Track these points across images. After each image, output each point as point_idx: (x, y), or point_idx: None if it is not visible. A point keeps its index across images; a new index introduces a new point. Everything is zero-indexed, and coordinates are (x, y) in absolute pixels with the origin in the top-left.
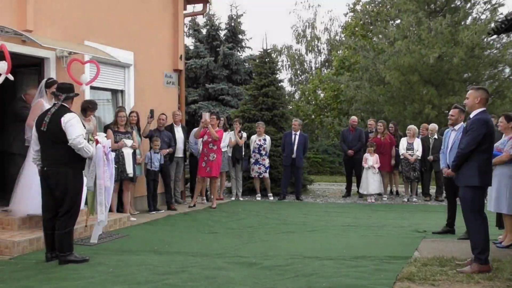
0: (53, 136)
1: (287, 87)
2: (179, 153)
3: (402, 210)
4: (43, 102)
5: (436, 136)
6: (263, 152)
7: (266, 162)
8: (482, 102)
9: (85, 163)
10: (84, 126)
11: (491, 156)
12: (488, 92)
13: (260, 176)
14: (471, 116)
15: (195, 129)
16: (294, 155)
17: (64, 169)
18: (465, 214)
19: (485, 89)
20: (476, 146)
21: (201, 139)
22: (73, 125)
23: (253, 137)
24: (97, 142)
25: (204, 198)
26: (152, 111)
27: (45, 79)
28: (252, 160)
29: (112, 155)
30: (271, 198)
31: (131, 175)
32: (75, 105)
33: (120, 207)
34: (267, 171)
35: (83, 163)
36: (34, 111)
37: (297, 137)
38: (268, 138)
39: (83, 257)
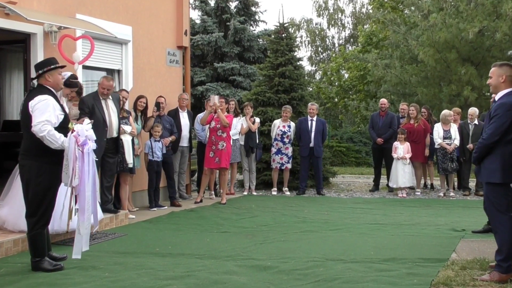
0: (23, 123)
1: (307, 66)
2: (184, 142)
3: (438, 206)
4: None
5: (476, 122)
6: (287, 140)
7: (290, 151)
8: (508, 80)
9: (62, 156)
10: (62, 110)
11: None
12: None
13: (282, 168)
14: (497, 98)
15: (200, 115)
16: (312, 144)
17: (28, 161)
18: (489, 214)
19: (510, 64)
20: (501, 136)
21: (208, 125)
22: (39, 109)
23: (276, 122)
24: (72, 131)
25: (213, 192)
26: (158, 105)
27: (68, 75)
28: (274, 150)
29: (91, 146)
30: (287, 193)
31: (131, 165)
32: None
33: (117, 203)
34: (290, 161)
35: (55, 156)
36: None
37: (314, 123)
38: (292, 124)
39: (56, 265)
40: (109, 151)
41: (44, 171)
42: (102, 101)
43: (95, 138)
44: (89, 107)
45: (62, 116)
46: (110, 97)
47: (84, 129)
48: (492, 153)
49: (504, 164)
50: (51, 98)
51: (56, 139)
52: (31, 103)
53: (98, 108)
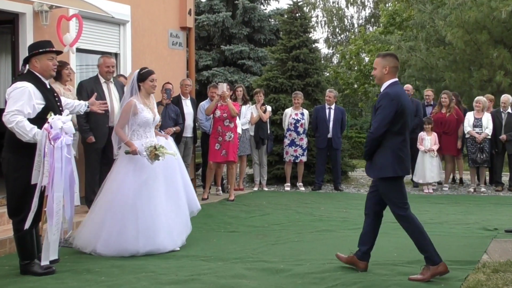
0: None
1: (323, 49)
2: (188, 132)
3: (468, 202)
4: (135, 103)
5: (510, 110)
6: (301, 130)
7: (304, 142)
8: (391, 71)
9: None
10: (44, 99)
11: (407, 138)
12: (396, 57)
13: (297, 161)
14: (381, 89)
15: (203, 103)
16: (330, 135)
17: (7, 154)
18: (393, 213)
19: (393, 55)
20: (389, 128)
21: (212, 114)
22: (13, 98)
23: (288, 110)
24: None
25: (220, 188)
26: (168, 91)
27: (138, 70)
28: (287, 141)
29: (64, 141)
30: (302, 188)
31: None
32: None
33: None
34: (305, 153)
35: (33, 149)
36: (123, 116)
37: (332, 111)
38: (306, 112)
39: (47, 268)
40: (110, 141)
41: (22, 166)
42: (104, 85)
43: (73, 131)
44: (88, 92)
45: (41, 106)
46: (112, 81)
47: (60, 120)
48: (381, 147)
49: (395, 157)
50: (30, 85)
51: (26, 132)
52: (8, 91)
53: (99, 93)
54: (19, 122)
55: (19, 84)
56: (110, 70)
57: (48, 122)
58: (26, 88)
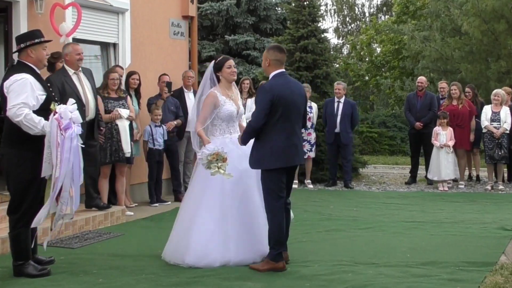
0: (2, 106)
1: (333, 39)
2: (191, 127)
3: (485, 201)
4: (216, 94)
5: None
6: (309, 125)
7: (312, 137)
8: (273, 64)
9: (43, 143)
10: (44, 90)
11: (292, 128)
12: (281, 50)
13: (304, 157)
14: None
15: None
16: (337, 129)
17: (7, 150)
18: (265, 200)
19: (277, 47)
20: (267, 120)
21: None
22: (14, 91)
23: None
24: (54, 112)
25: None
26: (169, 85)
27: (214, 61)
28: None
29: (75, 131)
30: (310, 186)
31: (128, 155)
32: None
33: (113, 198)
34: (313, 149)
35: (35, 143)
36: (204, 110)
37: (341, 105)
38: (314, 105)
39: (42, 270)
40: (88, 137)
41: (24, 161)
42: (73, 77)
43: (81, 121)
44: (59, 87)
45: (44, 97)
46: (81, 70)
47: (68, 110)
48: (259, 139)
49: (273, 149)
50: (30, 76)
51: (35, 124)
52: (6, 84)
53: (69, 85)
54: (27, 115)
55: (18, 76)
56: (81, 57)
57: (57, 112)
58: (26, 79)
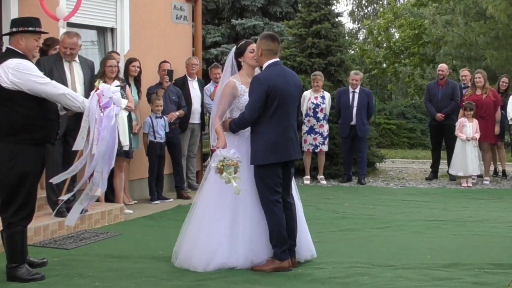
0: None
1: (348, 23)
2: (195, 118)
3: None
4: (235, 84)
5: None
6: (321, 116)
7: (325, 129)
8: (266, 54)
9: (40, 133)
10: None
11: (289, 122)
12: (274, 39)
13: (316, 150)
14: None
15: (208, 86)
16: (353, 122)
17: None
18: (263, 197)
19: (271, 36)
20: (262, 113)
21: None
22: (28, 70)
23: (306, 93)
24: (97, 89)
25: None
26: (171, 73)
27: (235, 46)
28: (305, 128)
29: (114, 110)
30: (323, 182)
31: (126, 148)
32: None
33: (111, 195)
34: (326, 142)
35: (34, 133)
36: (223, 100)
37: (356, 95)
38: (327, 95)
39: (36, 275)
40: (71, 130)
41: (17, 153)
42: (65, 64)
43: (122, 104)
44: (46, 71)
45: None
46: (77, 60)
47: (111, 90)
48: (254, 133)
49: (267, 144)
50: (26, 61)
51: (77, 96)
52: (4, 68)
53: (58, 71)
54: (66, 89)
55: (13, 60)
56: (68, 52)
57: (99, 89)
58: (27, 61)
